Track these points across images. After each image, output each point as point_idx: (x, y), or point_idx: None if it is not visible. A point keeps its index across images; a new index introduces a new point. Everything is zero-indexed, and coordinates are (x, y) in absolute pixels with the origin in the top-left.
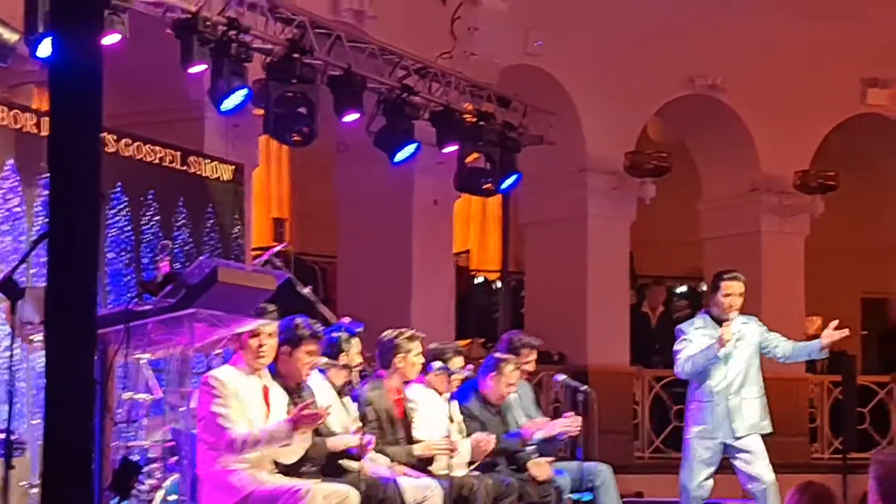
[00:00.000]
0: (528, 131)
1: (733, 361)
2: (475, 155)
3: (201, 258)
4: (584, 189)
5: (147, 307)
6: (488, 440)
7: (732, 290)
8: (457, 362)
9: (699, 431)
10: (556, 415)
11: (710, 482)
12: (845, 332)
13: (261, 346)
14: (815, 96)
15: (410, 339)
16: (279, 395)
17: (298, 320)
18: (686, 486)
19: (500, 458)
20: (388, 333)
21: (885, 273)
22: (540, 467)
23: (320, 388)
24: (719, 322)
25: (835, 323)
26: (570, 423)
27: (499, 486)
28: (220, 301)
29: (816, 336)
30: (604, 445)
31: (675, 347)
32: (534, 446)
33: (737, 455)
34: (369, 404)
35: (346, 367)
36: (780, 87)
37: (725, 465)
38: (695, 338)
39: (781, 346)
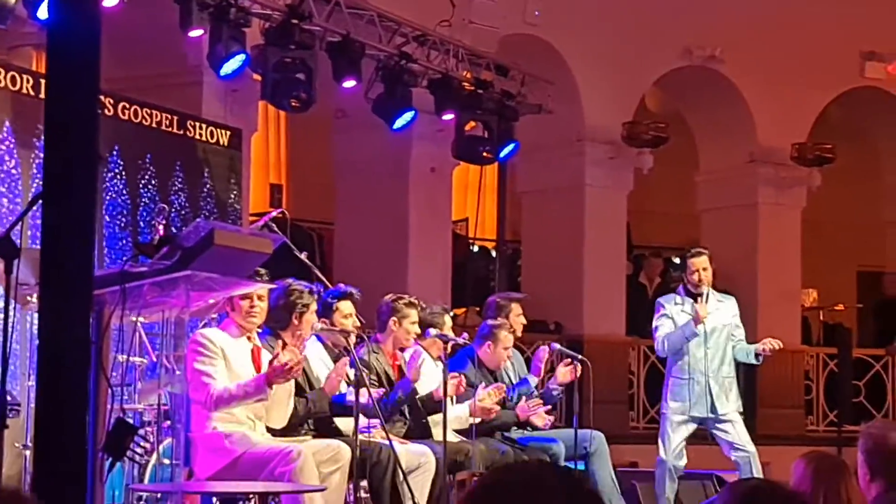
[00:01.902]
0: (526, 100)
1: (713, 340)
2: (473, 123)
3: (198, 220)
4: (581, 158)
5: (143, 269)
6: (494, 406)
7: (697, 265)
8: (447, 321)
9: (676, 407)
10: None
11: (684, 455)
12: (779, 343)
13: (252, 307)
14: (814, 69)
15: (408, 305)
16: (268, 358)
17: (296, 284)
18: (663, 460)
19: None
20: (388, 297)
21: (881, 246)
22: (539, 417)
23: (315, 353)
24: (695, 297)
25: (773, 341)
26: (567, 370)
27: (494, 452)
28: (216, 264)
29: (813, 308)
30: (598, 415)
31: (654, 323)
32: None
33: (717, 426)
34: (366, 367)
35: (342, 331)
36: (778, 59)
37: (706, 437)
38: (673, 313)
39: (739, 337)
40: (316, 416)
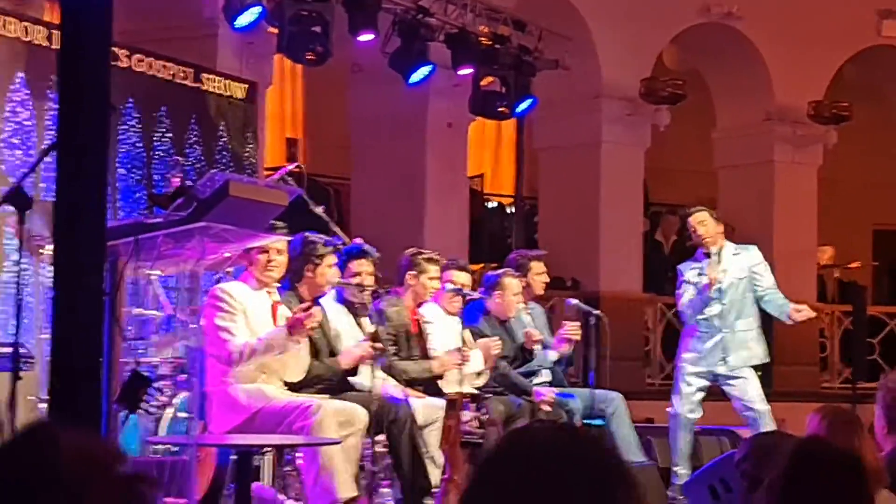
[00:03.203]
0: (543, 56)
1: (729, 295)
2: (490, 78)
3: (213, 172)
4: (598, 115)
5: (158, 220)
6: (497, 342)
7: (691, 223)
8: (461, 277)
9: (690, 359)
10: (567, 341)
11: (700, 408)
12: (813, 314)
13: (270, 261)
14: (830, 27)
15: (429, 260)
16: (287, 313)
17: (313, 236)
18: (677, 413)
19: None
20: (409, 251)
21: None
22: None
23: (334, 310)
24: (708, 255)
25: (809, 313)
26: (569, 332)
27: (510, 407)
28: (231, 215)
29: (828, 266)
30: (615, 372)
31: (677, 292)
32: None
33: (728, 382)
34: (388, 320)
35: (359, 286)
36: (795, 17)
37: (719, 392)
38: (692, 278)
39: (765, 286)
40: (324, 383)
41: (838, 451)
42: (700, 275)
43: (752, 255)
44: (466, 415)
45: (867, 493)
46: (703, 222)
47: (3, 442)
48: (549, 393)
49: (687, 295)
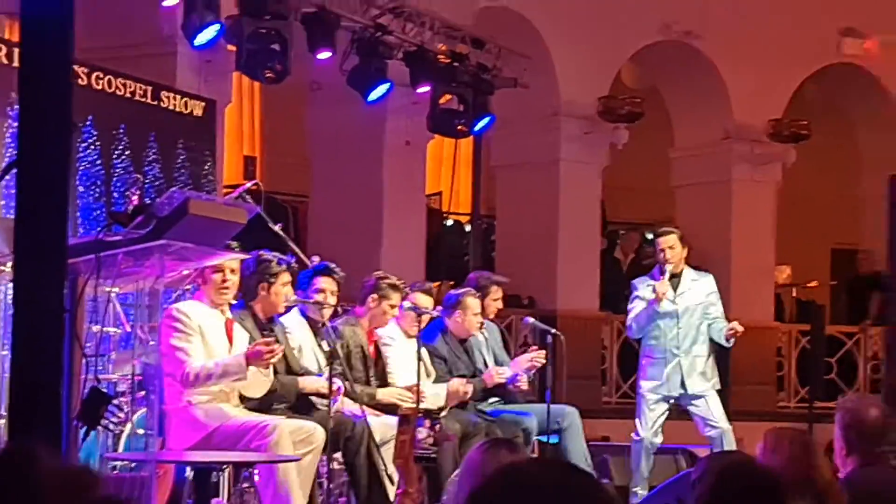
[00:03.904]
0: (501, 74)
1: (685, 319)
2: (448, 96)
3: (172, 190)
4: (556, 133)
5: (117, 237)
6: (467, 389)
7: (662, 244)
8: (424, 300)
9: (651, 386)
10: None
11: (661, 432)
12: (740, 328)
13: (224, 280)
14: (791, 45)
15: (393, 287)
16: (241, 331)
17: (267, 255)
18: (641, 437)
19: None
20: (376, 273)
21: (856, 224)
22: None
23: (297, 326)
24: (670, 275)
25: (736, 325)
26: (534, 357)
27: (466, 424)
28: (190, 233)
29: (786, 285)
30: (571, 390)
31: (628, 307)
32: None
33: (692, 402)
34: (341, 338)
35: (317, 303)
36: (755, 35)
37: (683, 411)
38: (645, 295)
39: (714, 315)
40: (279, 400)
41: (759, 471)
42: (654, 292)
43: (708, 283)
44: (421, 431)
45: None
46: (673, 247)
47: None
48: (494, 376)
49: (635, 310)
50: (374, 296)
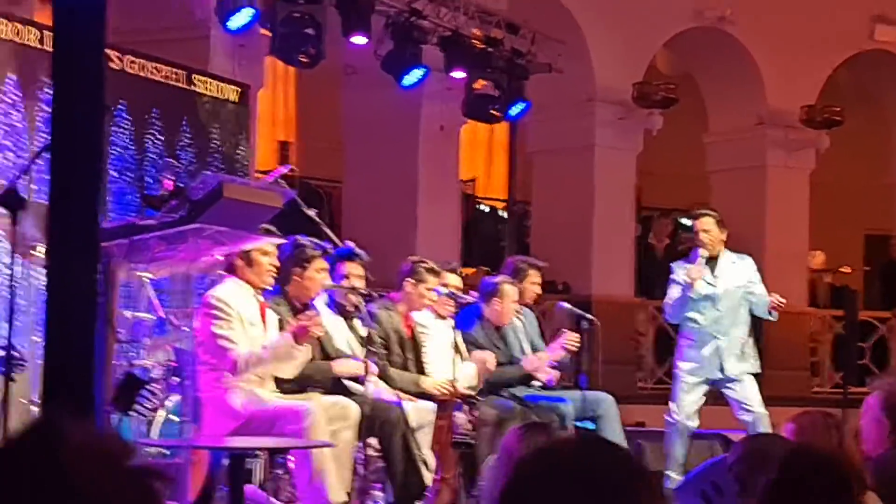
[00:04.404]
0: (536, 59)
1: (724, 302)
2: (483, 82)
3: (206, 174)
4: (591, 119)
5: (151, 221)
6: (489, 357)
7: (699, 226)
8: (453, 280)
9: (688, 368)
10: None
11: (698, 416)
12: (783, 300)
13: (272, 263)
14: (824, 31)
15: (430, 271)
16: (273, 315)
17: (303, 240)
18: (675, 420)
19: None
20: (412, 258)
21: (889, 210)
22: (543, 371)
23: (327, 312)
24: (706, 259)
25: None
26: (569, 341)
27: (501, 410)
28: (224, 217)
29: (820, 270)
30: (606, 375)
31: (668, 291)
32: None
33: (727, 385)
34: (378, 324)
35: (353, 289)
36: (788, 21)
37: (718, 396)
38: (682, 277)
39: (757, 294)
40: (315, 385)
41: (827, 456)
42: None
43: (749, 266)
44: (459, 416)
45: (854, 498)
46: (708, 230)
47: (9, 438)
48: (534, 361)
49: (672, 293)
50: (412, 280)
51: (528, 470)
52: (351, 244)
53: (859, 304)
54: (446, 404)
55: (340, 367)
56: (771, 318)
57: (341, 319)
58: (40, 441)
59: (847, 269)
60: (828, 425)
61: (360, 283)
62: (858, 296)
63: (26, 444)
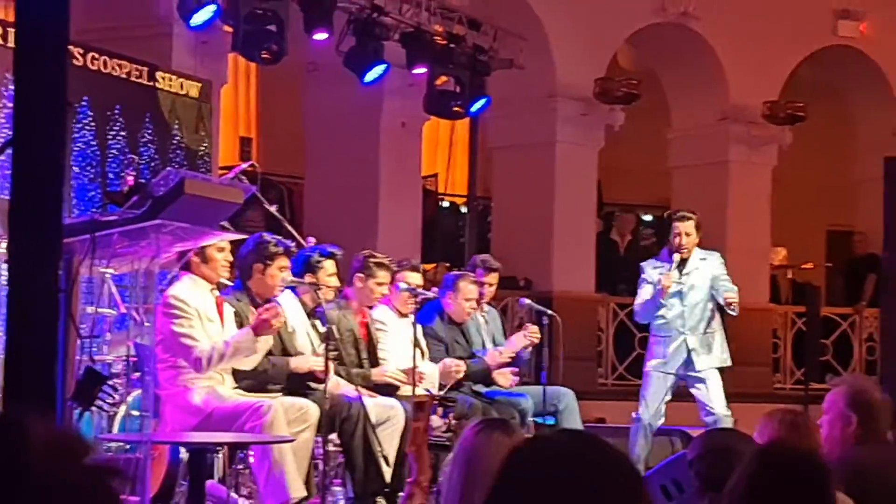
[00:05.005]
0: (498, 55)
1: (690, 297)
2: (444, 78)
3: (168, 169)
4: (552, 115)
5: (113, 217)
6: (459, 367)
7: (678, 229)
8: (414, 277)
9: (656, 364)
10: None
11: (663, 415)
12: (734, 297)
13: (227, 259)
14: (786, 27)
15: (379, 265)
16: (230, 309)
17: (267, 236)
18: (641, 417)
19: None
20: (363, 253)
21: (852, 206)
22: (504, 376)
23: (291, 308)
24: (680, 258)
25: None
26: (529, 334)
27: (462, 407)
28: (186, 213)
29: (782, 266)
30: (567, 371)
31: (638, 289)
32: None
33: (695, 385)
34: (332, 323)
35: (313, 285)
36: (751, 17)
37: (683, 393)
38: (653, 277)
39: (726, 289)
40: (271, 381)
41: (802, 453)
42: (661, 274)
43: (715, 261)
44: (435, 419)
45: (831, 495)
46: (689, 234)
47: None
48: (495, 356)
49: (643, 295)
50: (361, 275)
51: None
52: (312, 241)
53: (821, 300)
54: (423, 406)
55: (298, 362)
56: (731, 313)
57: (304, 316)
58: (1, 437)
59: (809, 266)
60: (798, 423)
61: (332, 281)
62: (820, 292)
63: None
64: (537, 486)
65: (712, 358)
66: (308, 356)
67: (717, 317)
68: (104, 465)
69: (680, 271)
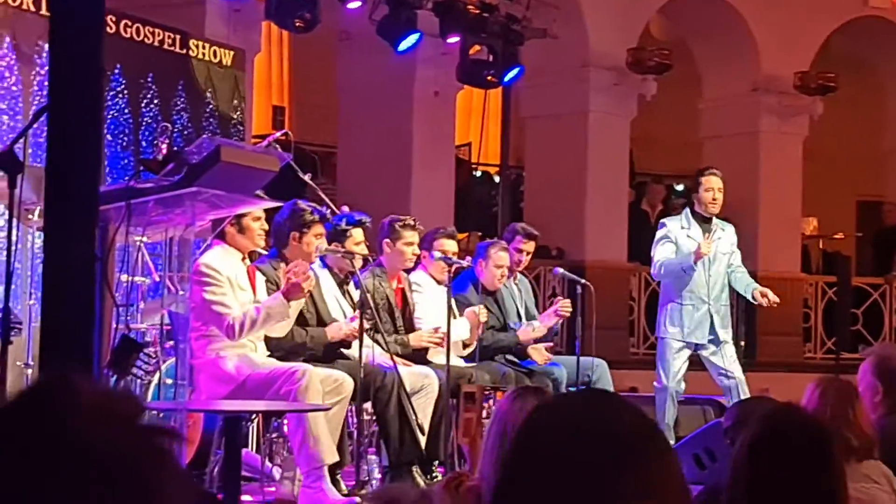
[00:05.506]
0: (531, 24)
1: (715, 267)
2: (478, 47)
3: (203, 137)
4: (585, 84)
5: (149, 185)
6: (480, 310)
7: (712, 184)
8: (450, 245)
9: (675, 333)
10: (557, 315)
11: (685, 380)
12: (777, 299)
13: (263, 228)
14: None
15: (404, 226)
16: (262, 278)
17: (303, 204)
18: (665, 385)
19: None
20: (390, 217)
21: (882, 176)
22: (539, 352)
23: (322, 277)
24: (701, 220)
25: (772, 297)
26: (562, 307)
27: (495, 375)
28: (222, 181)
29: (813, 237)
30: (599, 341)
31: (656, 238)
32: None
33: (712, 350)
34: (367, 291)
35: (347, 253)
36: None
37: (698, 362)
38: (677, 235)
39: (736, 264)
40: (310, 352)
41: (806, 418)
42: (688, 237)
43: (733, 232)
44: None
45: (833, 462)
46: (722, 189)
47: (16, 395)
48: (528, 332)
49: (664, 252)
50: (388, 240)
51: (538, 422)
52: (345, 209)
53: (852, 270)
54: (473, 396)
55: (333, 331)
56: (751, 301)
57: (335, 285)
58: (51, 399)
59: (840, 236)
60: (841, 391)
61: (361, 249)
62: (851, 262)
63: (36, 402)
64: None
65: (729, 328)
66: (342, 323)
67: (729, 288)
68: (156, 426)
69: (705, 237)
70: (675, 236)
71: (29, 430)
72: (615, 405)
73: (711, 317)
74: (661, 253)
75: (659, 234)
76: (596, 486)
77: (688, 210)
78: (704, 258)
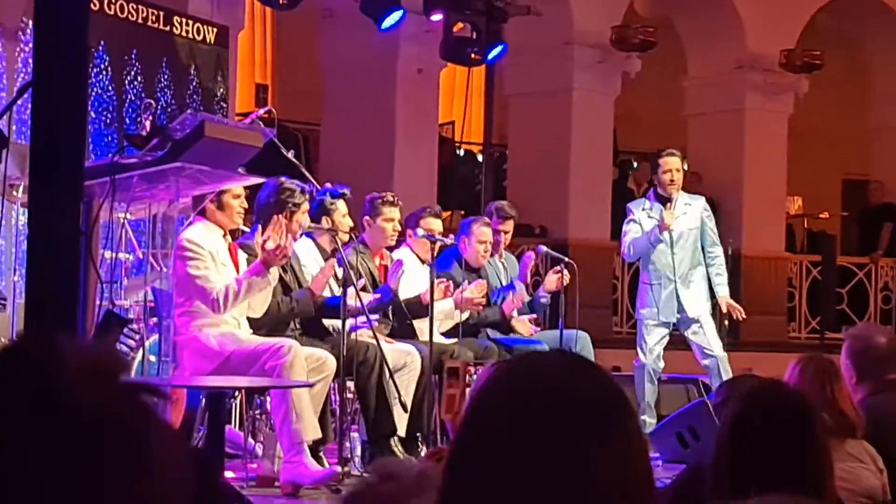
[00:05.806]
0: (515, 1)
1: (680, 244)
2: (461, 24)
3: (187, 113)
4: (569, 62)
5: (133, 160)
6: (482, 284)
7: (669, 165)
8: (434, 224)
9: (647, 313)
10: (535, 287)
11: (662, 358)
12: (743, 315)
13: (242, 205)
14: None
15: (384, 203)
16: (244, 255)
17: (289, 184)
18: (643, 363)
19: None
20: (371, 195)
21: (867, 155)
22: (523, 325)
23: (308, 252)
24: (664, 201)
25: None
26: (555, 278)
27: (478, 350)
28: (206, 156)
29: (797, 215)
30: (582, 319)
31: (623, 228)
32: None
33: (690, 328)
34: (351, 267)
35: (331, 230)
36: None
37: (681, 341)
38: (641, 218)
39: (712, 259)
40: (300, 316)
41: (789, 394)
42: (650, 217)
43: (701, 206)
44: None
45: (817, 438)
46: (679, 170)
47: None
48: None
49: (632, 233)
50: (368, 217)
51: (497, 374)
52: (329, 186)
53: (837, 249)
54: (457, 371)
55: (317, 284)
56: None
57: (322, 261)
58: (35, 358)
59: (825, 214)
60: (822, 370)
61: (346, 222)
62: (836, 241)
63: (20, 362)
64: (515, 394)
65: (702, 302)
66: (315, 274)
67: (703, 266)
68: (140, 383)
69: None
70: (639, 218)
71: (14, 390)
72: (580, 365)
73: (680, 294)
74: (629, 235)
75: (625, 220)
76: (552, 442)
77: (651, 193)
78: (668, 235)
